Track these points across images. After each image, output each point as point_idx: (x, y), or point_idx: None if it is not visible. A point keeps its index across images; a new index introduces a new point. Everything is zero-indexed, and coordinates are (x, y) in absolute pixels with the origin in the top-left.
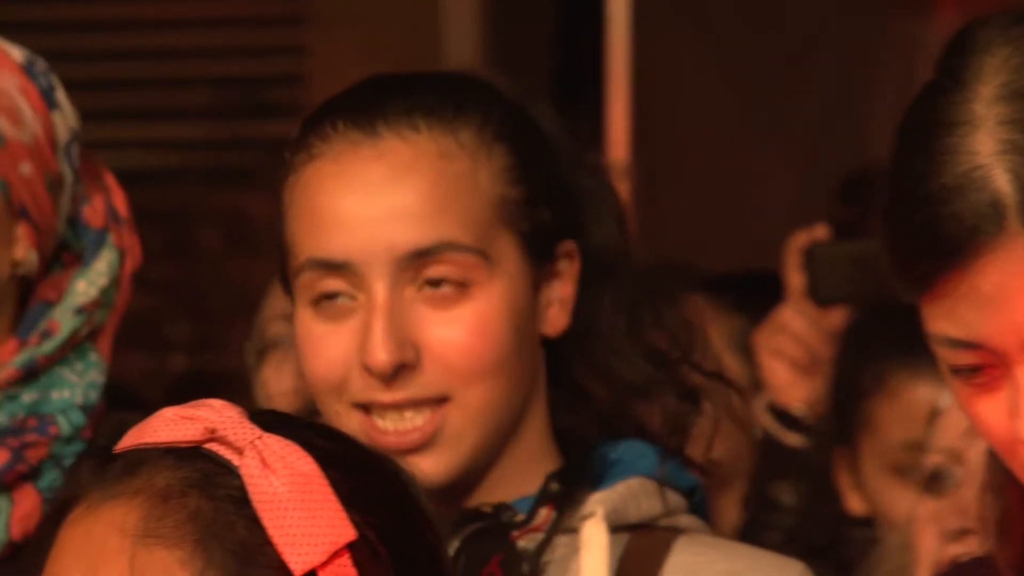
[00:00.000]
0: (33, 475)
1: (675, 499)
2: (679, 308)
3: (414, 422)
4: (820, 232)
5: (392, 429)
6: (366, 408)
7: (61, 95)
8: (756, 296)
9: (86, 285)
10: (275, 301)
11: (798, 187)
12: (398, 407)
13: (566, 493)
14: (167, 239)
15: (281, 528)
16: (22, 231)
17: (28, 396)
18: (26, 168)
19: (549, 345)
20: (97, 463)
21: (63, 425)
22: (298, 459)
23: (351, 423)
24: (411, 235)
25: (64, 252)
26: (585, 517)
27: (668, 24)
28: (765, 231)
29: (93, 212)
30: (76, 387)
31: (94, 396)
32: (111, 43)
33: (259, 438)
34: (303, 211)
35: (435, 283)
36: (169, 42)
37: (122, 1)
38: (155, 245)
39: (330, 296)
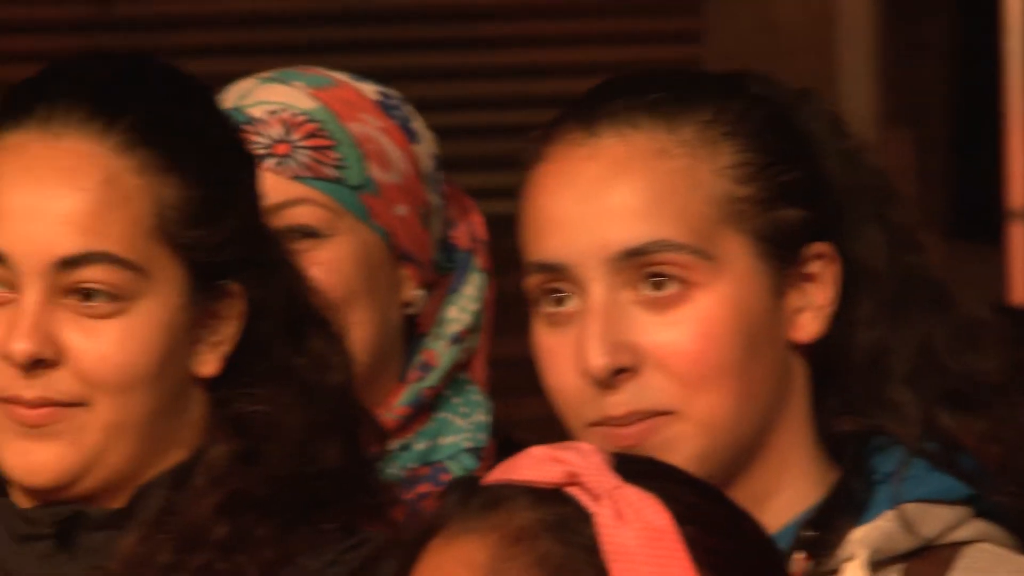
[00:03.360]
0: None
1: (952, 514)
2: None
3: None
4: None
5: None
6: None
7: (418, 124)
8: None
9: (458, 311)
10: None
11: None
12: (627, 422)
13: (820, 539)
14: None
15: None
16: (406, 273)
17: (419, 445)
18: (401, 209)
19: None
20: (462, 495)
21: (455, 471)
22: (654, 512)
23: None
24: (622, 233)
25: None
26: (846, 560)
27: None
28: None
29: (460, 234)
30: (463, 431)
31: (483, 438)
32: (498, 90)
33: (617, 488)
34: (528, 215)
35: (655, 284)
36: (555, 89)
37: (521, 47)
38: None
39: (558, 303)
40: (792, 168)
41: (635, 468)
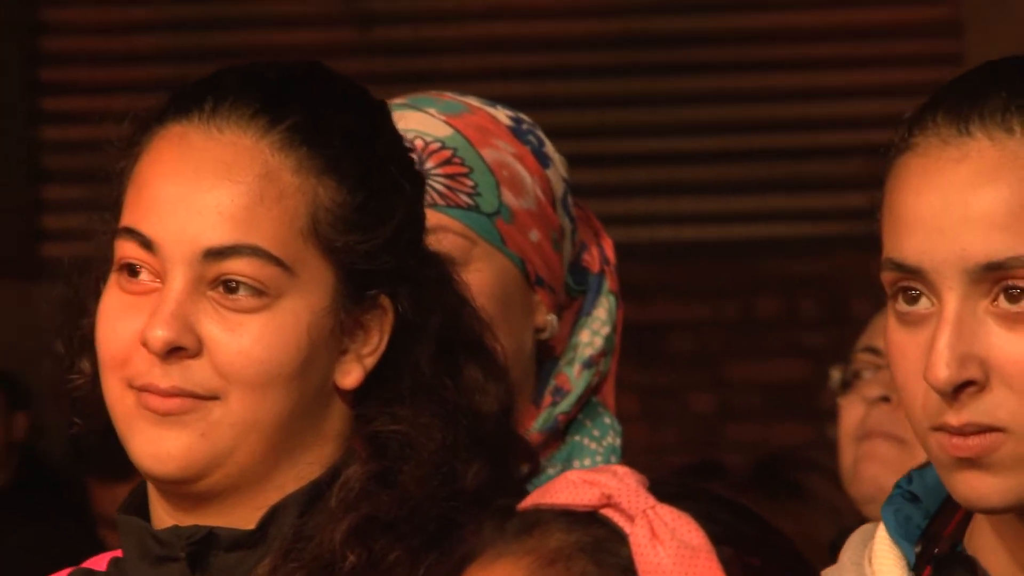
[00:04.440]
0: None
1: None
2: None
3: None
4: None
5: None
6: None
7: (549, 148)
8: None
9: (590, 335)
10: (872, 333)
11: None
12: (964, 432)
13: None
14: (822, 308)
15: None
16: (539, 298)
17: (552, 469)
18: (535, 235)
19: None
20: (498, 521)
21: None
22: (688, 531)
23: (928, 445)
24: (984, 246)
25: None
26: None
27: None
28: None
29: (591, 257)
30: (596, 454)
31: (615, 461)
32: (766, 114)
33: (652, 507)
34: (889, 205)
35: (1010, 297)
36: (822, 112)
37: (780, 71)
38: (809, 313)
39: (911, 301)
40: None
41: (669, 489)
